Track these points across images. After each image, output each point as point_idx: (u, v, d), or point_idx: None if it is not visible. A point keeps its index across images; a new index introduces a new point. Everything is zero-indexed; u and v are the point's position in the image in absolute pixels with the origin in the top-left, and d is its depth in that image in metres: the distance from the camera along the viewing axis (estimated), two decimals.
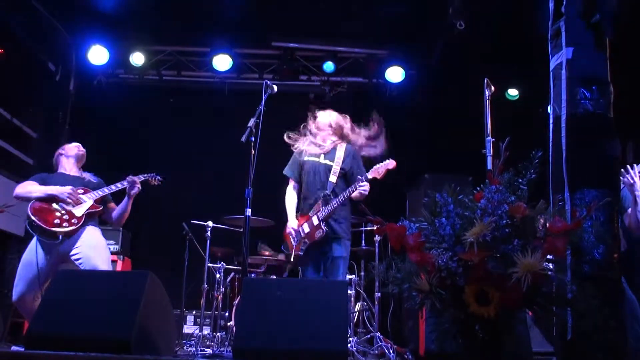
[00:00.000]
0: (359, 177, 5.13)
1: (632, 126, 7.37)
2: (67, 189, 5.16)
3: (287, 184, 5.56)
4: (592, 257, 3.08)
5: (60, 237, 5.01)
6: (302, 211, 5.32)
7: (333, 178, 5.25)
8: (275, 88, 4.94)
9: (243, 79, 9.49)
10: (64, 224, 5.04)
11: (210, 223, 7.11)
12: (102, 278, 3.93)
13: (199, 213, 7.38)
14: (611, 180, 3.39)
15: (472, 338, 2.84)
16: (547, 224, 2.84)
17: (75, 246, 5.08)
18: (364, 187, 5.09)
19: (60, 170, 5.51)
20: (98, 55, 8.77)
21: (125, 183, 5.29)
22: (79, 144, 5.65)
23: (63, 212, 5.10)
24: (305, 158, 5.40)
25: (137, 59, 9.00)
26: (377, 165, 5.29)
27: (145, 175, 5.54)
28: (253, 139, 4.68)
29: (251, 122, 4.69)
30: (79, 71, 9.16)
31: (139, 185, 5.31)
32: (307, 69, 9.48)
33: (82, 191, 5.26)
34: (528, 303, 2.86)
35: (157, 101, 9.67)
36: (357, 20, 8.44)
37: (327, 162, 5.33)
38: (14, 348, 5.25)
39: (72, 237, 5.08)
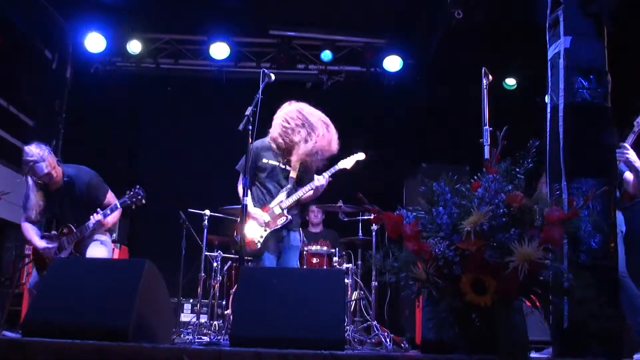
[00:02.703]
0: (320, 176, 5.43)
1: (629, 115, 7.37)
2: (44, 248, 5.22)
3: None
4: (589, 246, 3.09)
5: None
6: (260, 202, 5.37)
7: (293, 173, 5.39)
8: (273, 76, 4.93)
9: (240, 68, 9.46)
10: None
11: (207, 212, 7.10)
12: (100, 266, 3.93)
13: (196, 201, 7.37)
14: (608, 169, 3.39)
15: (469, 327, 2.86)
16: (544, 213, 2.85)
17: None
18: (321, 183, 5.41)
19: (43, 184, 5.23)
20: (95, 42, 8.73)
21: (91, 225, 5.14)
22: (47, 169, 5.06)
23: (46, 260, 5.25)
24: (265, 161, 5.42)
25: (134, 46, 8.96)
26: (347, 158, 5.77)
27: (124, 199, 5.24)
28: (250, 127, 4.68)
29: (248, 111, 4.69)
30: (75, 59, 9.13)
31: (102, 223, 5.19)
32: (305, 57, 9.46)
33: (67, 230, 5.24)
34: (524, 292, 2.87)
35: (154, 89, 9.64)
36: (355, 9, 8.43)
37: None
38: (6, 334, 5.28)
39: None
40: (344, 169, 5.70)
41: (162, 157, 9.32)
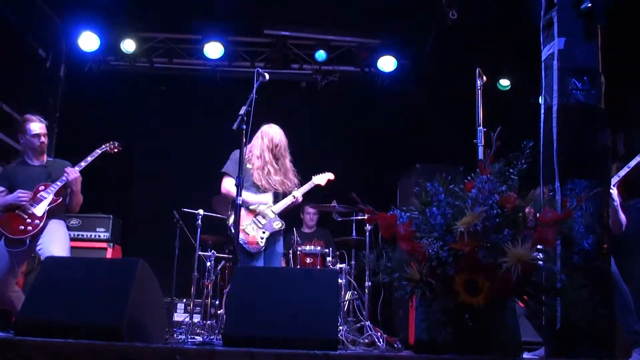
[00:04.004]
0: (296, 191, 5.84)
1: (622, 116, 7.39)
2: (20, 194, 5.22)
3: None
4: (582, 248, 3.10)
5: (28, 241, 5.18)
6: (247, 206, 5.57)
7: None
8: (267, 76, 4.94)
9: (235, 67, 9.45)
10: (28, 228, 5.18)
11: (201, 211, 7.09)
12: (93, 265, 3.91)
13: (190, 201, 7.36)
14: (602, 170, 3.40)
15: (462, 327, 2.86)
16: (537, 214, 2.85)
17: (39, 243, 5.22)
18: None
19: (26, 157, 5.56)
20: (89, 41, 8.70)
21: (64, 178, 5.33)
22: (40, 130, 5.51)
23: (25, 216, 5.21)
24: (249, 166, 5.67)
25: (128, 45, 8.93)
26: (319, 175, 6.27)
27: (101, 148, 5.67)
28: (244, 126, 4.68)
29: (242, 110, 4.69)
30: (69, 57, 9.09)
31: (74, 177, 5.34)
32: (299, 57, 9.45)
33: (43, 187, 5.31)
34: (518, 292, 2.88)
35: (148, 88, 9.62)
36: (349, 9, 8.42)
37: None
38: None
39: (38, 236, 5.23)
40: (319, 185, 6.21)
41: (156, 156, 9.30)
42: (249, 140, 4.93)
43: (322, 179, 6.26)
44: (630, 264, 5.11)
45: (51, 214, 5.30)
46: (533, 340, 4.82)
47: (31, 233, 5.16)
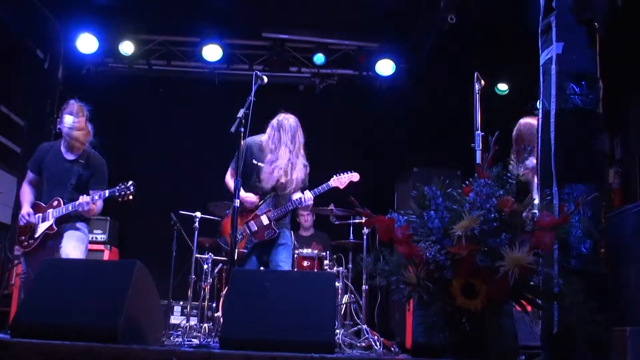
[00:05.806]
0: (307, 191, 5.45)
1: (620, 121, 7.41)
2: (24, 215, 5.17)
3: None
4: (579, 252, 3.10)
5: (22, 258, 5.22)
6: (245, 209, 5.39)
7: (284, 178, 5.39)
8: (265, 79, 4.94)
9: (233, 70, 9.46)
10: (24, 244, 5.19)
11: (198, 214, 7.09)
12: (90, 267, 3.91)
13: (187, 203, 7.36)
14: (599, 175, 3.40)
15: (459, 331, 2.86)
16: (535, 218, 2.86)
17: (61, 245, 5.17)
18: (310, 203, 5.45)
19: (62, 144, 5.38)
20: (87, 43, 8.71)
21: (77, 205, 5.12)
22: (73, 124, 5.31)
23: (27, 229, 5.20)
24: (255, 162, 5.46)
25: (127, 48, 8.94)
26: (341, 175, 5.77)
27: (112, 190, 5.27)
28: (242, 129, 4.68)
29: (241, 113, 4.69)
30: (67, 59, 9.09)
31: (89, 207, 5.13)
32: (298, 60, 9.47)
33: (57, 202, 5.20)
34: (515, 296, 2.88)
35: (147, 91, 9.61)
36: (348, 13, 8.43)
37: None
38: None
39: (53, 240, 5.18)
40: (336, 188, 5.72)
41: (154, 158, 9.29)
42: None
43: (342, 180, 5.74)
44: (628, 269, 5.11)
45: (65, 219, 5.22)
46: (530, 344, 4.82)
47: (25, 250, 5.17)
